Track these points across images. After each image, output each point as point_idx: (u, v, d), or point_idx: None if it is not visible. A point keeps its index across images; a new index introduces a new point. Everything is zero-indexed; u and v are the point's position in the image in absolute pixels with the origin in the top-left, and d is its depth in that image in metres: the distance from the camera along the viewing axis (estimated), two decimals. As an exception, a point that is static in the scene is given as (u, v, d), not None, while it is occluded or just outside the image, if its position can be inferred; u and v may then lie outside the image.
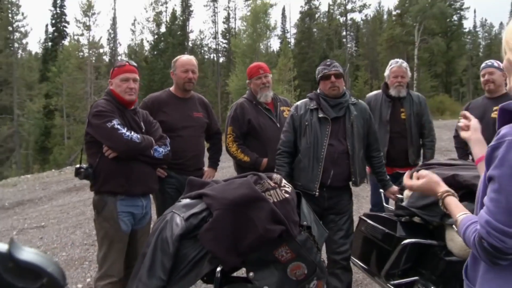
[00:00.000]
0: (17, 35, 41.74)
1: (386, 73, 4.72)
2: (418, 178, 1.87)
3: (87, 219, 7.49)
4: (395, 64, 4.66)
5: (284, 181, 2.48)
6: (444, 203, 1.69)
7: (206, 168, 4.29)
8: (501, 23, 63.54)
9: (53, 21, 45.97)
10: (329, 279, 3.43)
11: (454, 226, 1.58)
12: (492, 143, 1.37)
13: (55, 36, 46.20)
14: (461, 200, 2.70)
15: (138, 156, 3.21)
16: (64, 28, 46.33)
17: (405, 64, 4.67)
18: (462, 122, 1.97)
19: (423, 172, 1.87)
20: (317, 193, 3.42)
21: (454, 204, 1.65)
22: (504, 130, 1.35)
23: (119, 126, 3.11)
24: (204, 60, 56.82)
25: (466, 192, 2.73)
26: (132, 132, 3.17)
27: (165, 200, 3.77)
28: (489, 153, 1.38)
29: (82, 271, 5.16)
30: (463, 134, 1.94)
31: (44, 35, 49.58)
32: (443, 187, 1.74)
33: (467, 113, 2.00)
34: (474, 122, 1.93)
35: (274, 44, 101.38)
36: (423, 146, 4.68)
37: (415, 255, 3.07)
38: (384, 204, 3.95)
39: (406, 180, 1.96)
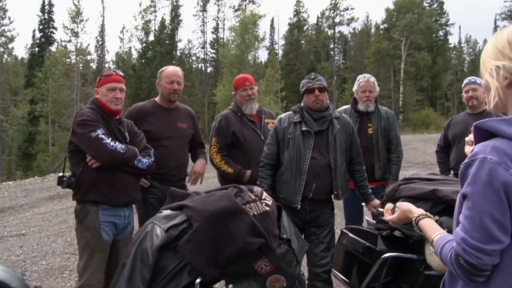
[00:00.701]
0: (3, 39, 41.31)
1: (355, 88, 4.73)
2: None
3: (69, 227, 7.40)
4: (363, 79, 4.67)
5: (265, 194, 2.48)
6: (419, 226, 1.71)
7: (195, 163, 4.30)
8: (485, 40, 64.45)
9: (41, 27, 45.59)
10: (310, 291, 3.44)
11: (430, 246, 1.60)
12: (466, 160, 1.39)
13: (42, 42, 45.80)
14: (441, 214, 2.77)
15: (121, 166, 3.20)
16: (52, 34, 45.98)
17: (372, 79, 4.69)
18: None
19: (398, 204, 1.91)
20: (299, 206, 3.43)
21: (428, 226, 1.67)
22: (477, 148, 1.38)
23: (103, 136, 3.10)
24: (192, 70, 56.73)
25: (446, 207, 2.78)
26: (117, 142, 3.16)
27: (148, 210, 3.76)
28: (462, 170, 1.41)
29: (62, 280, 5.10)
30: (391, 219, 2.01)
31: (31, 40, 49.04)
32: (416, 212, 1.77)
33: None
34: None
35: (262, 55, 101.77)
36: (390, 161, 4.62)
37: (395, 269, 3.09)
38: (365, 217, 3.97)
39: (386, 216, 2.02)
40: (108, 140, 3.11)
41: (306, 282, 3.34)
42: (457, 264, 1.37)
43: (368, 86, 4.59)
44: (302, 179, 3.42)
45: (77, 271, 3.34)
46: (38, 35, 46.33)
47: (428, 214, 1.74)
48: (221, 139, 4.14)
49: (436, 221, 2.68)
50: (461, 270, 1.37)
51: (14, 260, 5.83)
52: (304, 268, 3.80)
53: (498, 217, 1.31)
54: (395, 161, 4.62)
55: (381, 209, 3.47)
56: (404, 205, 1.87)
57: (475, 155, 1.37)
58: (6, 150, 40.75)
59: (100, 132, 3.10)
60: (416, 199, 2.97)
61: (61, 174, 3.25)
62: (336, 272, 3.52)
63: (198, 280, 2.27)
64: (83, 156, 3.17)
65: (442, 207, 2.80)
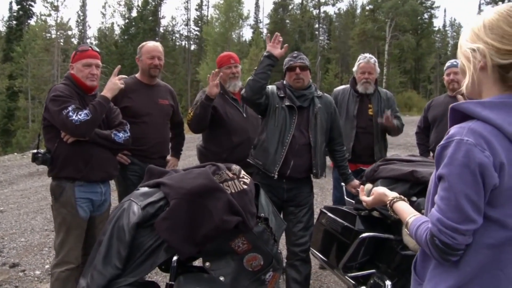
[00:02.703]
0: (-21, 11, 40.29)
1: (355, 68, 4.68)
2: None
3: (49, 204, 7.23)
4: (363, 59, 4.60)
5: (243, 172, 2.48)
6: (393, 209, 1.73)
7: (169, 157, 4.25)
8: (469, 23, 64.91)
9: (18, -1, 44.47)
10: (288, 270, 3.47)
11: (405, 228, 1.62)
12: (442, 142, 1.40)
13: (20, 15, 44.64)
14: (418, 195, 2.80)
15: (97, 139, 3.15)
16: (30, 7, 44.87)
17: (373, 60, 4.61)
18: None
19: (373, 189, 1.93)
20: (275, 176, 3.41)
21: (402, 209, 1.68)
22: (453, 130, 1.39)
23: (71, 113, 3.00)
24: (175, 47, 56.19)
25: (424, 188, 2.80)
26: (81, 113, 3.03)
27: (127, 187, 3.73)
28: (438, 152, 1.42)
29: (41, 257, 5.07)
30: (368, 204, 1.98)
31: (8, 13, 47.49)
32: (390, 195, 1.78)
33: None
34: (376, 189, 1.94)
35: (246, 33, 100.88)
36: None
37: (373, 248, 3.14)
38: (346, 197, 4.00)
39: (361, 197, 2.03)
40: (74, 116, 2.99)
41: (284, 261, 3.37)
42: (432, 244, 1.39)
43: (368, 67, 4.54)
44: (284, 150, 3.40)
45: (54, 248, 3.32)
46: (15, 7, 45.11)
47: (402, 197, 1.75)
48: None
49: (414, 201, 2.73)
50: (436, 250, 1.39)
51: (-9, 236, 5.76)
52: (283, 248, 3.83)
53: (474, 198, 1.33)
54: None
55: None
56: (379, 189, 1.89)
57: (451, 136, 1.38)
58: (-15, 125, 40.09)
59: (70, 109, 3.00)
60: (394, 180, 3.00)
61: (35, 150, 3.19)
62: (315, 251, 3.56)
63: (175, 258, 2.27)
64: (57, 132, 3.11)
65: (420, 188, 2.83)
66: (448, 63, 4.60)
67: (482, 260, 1.39)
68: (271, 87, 3.59)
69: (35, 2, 45.07)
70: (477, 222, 1.35)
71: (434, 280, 1.48)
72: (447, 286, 1.43)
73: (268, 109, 3.51)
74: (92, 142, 3.14)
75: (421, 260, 1.59)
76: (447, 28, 67.91)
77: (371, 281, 2.97)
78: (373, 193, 1.92)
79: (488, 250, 1.38)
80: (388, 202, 1.76)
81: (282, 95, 3.52)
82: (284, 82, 3.62)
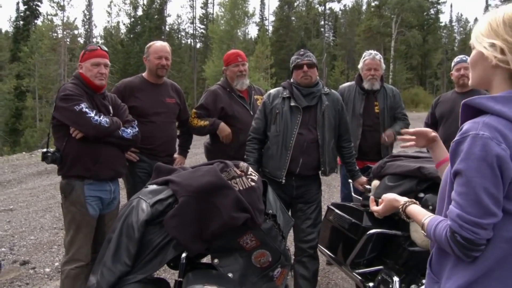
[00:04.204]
0: (-14, 12, 40.43)
1: (360, 65, 4.67)
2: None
3: (57, 202, 7.38)
4: (369, 56, 4.59)
5: (250, 169, 2.49)
6: (406, 213, 1.73)
7: (176, 155, 4.28)
8: (476, 19, 64.44)
9: (25, -1, 44.57)
10: (296, 267, 3.49)
11: (422, 231, 1.61)
12: (456, 138, 1.40)
13: (27, 15, 44.66)
14: (426, 192, 2.80)
15: (107, 138, 3.18)
16: (37, 7, 44.90)
17: (378, 56, 4.61)
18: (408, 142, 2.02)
19: (382, 197, 1.93)
20: (283, 181, 3.45)
21: (416, 211, 1.68)
22: (467, 125, 1.39)
23: (87, 110, 3.07)
24: (181, 45, 56.25)
25: (431, 185, 2.81)
26: (101, 116, 3.13)
27: (136, 184, 3.77)
28: (453, 148, 1.41)
29: (51, 255, 5.12)
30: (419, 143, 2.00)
31: (15, 13, 47.51)
32: (401, 200, 1.78)
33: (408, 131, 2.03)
34: (427, 130, 1.97)
35: (252, 31, 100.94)
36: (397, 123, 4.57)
37: (380, 245, 3.14)
38: (353, 194, 4.00)
39: (372, 208, 2.02)
40: (92, 114, 3.08)
41: (292, 257, 3.38)
42: (454, 241, 1.38)
43: (374, 63, 4.53)
44: (288, 154, 3.43)
45: (64, 246, 3.35)
46: (22, 7, 45.20)
47: (414, 200, 1.75)
48: (201, 112, 4.14)
49: (421, 198, 2.73)
50: (458, 246, 1.37)
51: (2, 235, 5.82)
52: (291, 244, 3.84)
53: (493, 191, 1.32)
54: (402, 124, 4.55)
55: (368, 186, 3.51)
56: (389, 195, 1.89)
57: (466, 132, 1.37)
58: (-7, 125, 40.32)
59: (83, 106, 3.07)
60: (402, 177, 3.00)
61: (45, 149, 3.22)
62: (322, 248, 3.57)
63: (184, 255, 2.28)
64: (66, 130, 3.14)
65: (427, 185, 2.83)
66: (457, 59, 4.55)
67: (500, 254, 1.38)
68: (272, 93, 3.64)
69: (41, 2, 45.09)
70: (497, 216, 1.34)
71: (453, 278, 1.46)
72: (465, 281, 1.41)
73: (269, 119, 3.57)
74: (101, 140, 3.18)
75: (438, 258, 1.57)
76: (453, 24, 67.62)
77: (379, 278, 2.97)
78: (382, 201, 1.92)
79: (506, 244, 1.37)
80: (400, 206, 1.77)
81: (287, 96, 3.53)
82: (291, 80, 3.62)
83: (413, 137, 2.00)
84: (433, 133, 1.93)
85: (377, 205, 1.98)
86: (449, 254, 1.47)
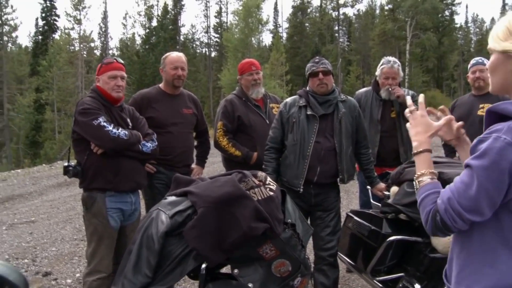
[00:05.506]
0: (6, 28, 41.35)
1: (377, 72, 4.57)
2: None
3: (78, 214, 7.47)
4: (387, 64, 4.47)
5: (269, 179, 2.49)
6: (416, 156, 1.62)
7: (194, 165, 4.30)
8: (492, 19, 63.86)
9: (43, 15, 45.21)
10: (316, 275, 3.47)
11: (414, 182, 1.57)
12: (481, 136, 1.39)
13: (45, 30, 45.52)
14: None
15: (126, 152, 3.21)
16: (55, 22, 45.66)
17: (397, 65, 4.48)
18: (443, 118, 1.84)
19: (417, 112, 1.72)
20: (301, 190, 3.44)
21: (422, 160, 1.60)
22: (496, 126, 1.38)
23: (105, 124, 3.11)
24: (196, 55, 56.69)
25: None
26: (120, 129, 3.17)
27: (154, 196, 3.79)
28: (474, 144, 1.41)
29: (72, 266, 5.17)
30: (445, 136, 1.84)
31: (34, 28, 48.48)
32: (425, 141, 1.64)
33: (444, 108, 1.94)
34: (459, 123, 1.83)
35: (266, 38, 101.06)
36: None
37: (401, 252, 3.10)
38: (372, 201, 3.97)
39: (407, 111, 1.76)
40: (110, 127, 3.11)
41: (312, 265, 3.37)
42: (433, 219, 1.43)
43: (392, 72, 4.43)
44: (306, 163, 3.42)
45: (85, 258, 3.39)
46: (41, 23, 46.02)
47: (431, 151, 1.64)
48: (227, 122, 4.14)
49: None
50: (433, 224, 1.43)
51: (24, 246, 5.90)
52: (310, 252, 3.83)
53: (493, 194, 1.34)
54: None
55: (386, 193, 3.48)
56: (424, 120, 1.68)
57: (491, 132, 1.37)
58: (14, 138, 41.05)
59: (102, 120, 3.11)
60: (421, 182, 2.97)
61: (66, 163, 3.27)
62: (342, 256, 3.54)
63: (203, 266, 2.29)
64: (87, 144, 3.18)
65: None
66: (473, 61, 4.48)
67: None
68: (289, 102, 3.64)
69: (59, 17, 45.94)
70: (485, 216, 1.36)
71: (464, 283, 1.45)
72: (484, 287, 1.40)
73: (286, 128, 3.57)
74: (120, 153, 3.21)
75: (448, 264, 1.58)
76: (469, 24, 66.90)
77: (400, 285, 2.94)
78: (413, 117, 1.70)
79: None
80: (416, 150, 1.63)
81: (303, 104, 3.53)
82: (307, 88, 3.62)
83: (447, 114, 1.84)
84: (463, 130, 1.82)
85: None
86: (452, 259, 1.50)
